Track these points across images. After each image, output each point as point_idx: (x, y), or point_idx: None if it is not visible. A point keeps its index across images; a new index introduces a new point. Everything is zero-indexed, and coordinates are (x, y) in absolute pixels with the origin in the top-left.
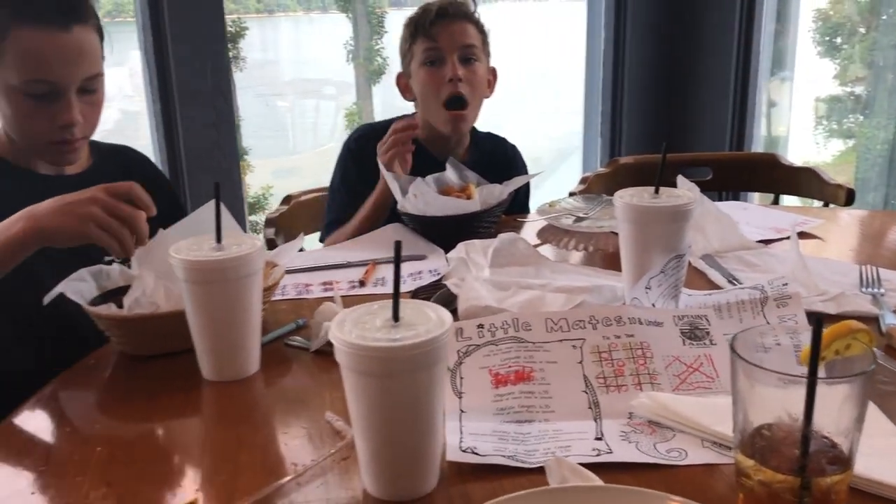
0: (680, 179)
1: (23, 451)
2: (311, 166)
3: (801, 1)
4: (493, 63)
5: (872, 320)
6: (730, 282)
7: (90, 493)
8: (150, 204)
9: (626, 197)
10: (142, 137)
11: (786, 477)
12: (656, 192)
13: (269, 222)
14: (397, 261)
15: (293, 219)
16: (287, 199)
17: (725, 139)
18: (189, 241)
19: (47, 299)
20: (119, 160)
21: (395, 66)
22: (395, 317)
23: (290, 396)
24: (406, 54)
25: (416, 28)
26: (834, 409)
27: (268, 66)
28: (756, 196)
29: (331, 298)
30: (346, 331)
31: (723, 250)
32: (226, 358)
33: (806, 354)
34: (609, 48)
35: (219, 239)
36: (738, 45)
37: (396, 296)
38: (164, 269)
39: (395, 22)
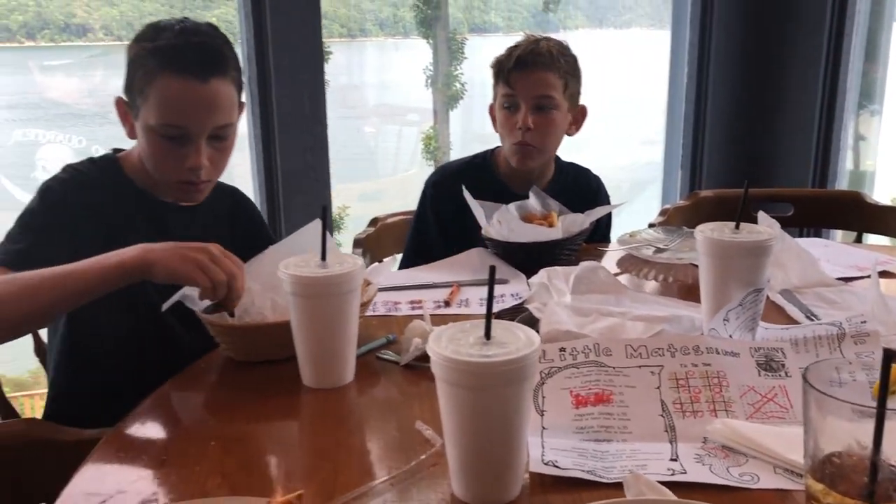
0: (761, 215)
1: (145, 443)
2: (394, 191)
3: (893, 32)
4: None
5: None
6: (808, 317)
7: (207, 481)
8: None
9: (706, 231)
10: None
11: (854, 502)
12: (737, 227)
13: (357, 243)
14: (491, 283)
15: (379, 240)
16: (374, 222)
17: (808, 174)
18: (297, 259)
19: (165, 306)
20: (228, 200)
21: (472, 92)
22: (488, 335)
23: (382, 405)
24: (494, 90)
25: (498, 72)
26: None
27: (351, 90)
28: (839, 234)
29: (418, 316)
30: (442, 346)
31: (802, 286)
32: (325, 367)
33: (877, 388)
34: (692, 80)
35: (323, 257)
36: (824, 79)
37: (489, 315)
38: (272, 283)
39: (476, 48)
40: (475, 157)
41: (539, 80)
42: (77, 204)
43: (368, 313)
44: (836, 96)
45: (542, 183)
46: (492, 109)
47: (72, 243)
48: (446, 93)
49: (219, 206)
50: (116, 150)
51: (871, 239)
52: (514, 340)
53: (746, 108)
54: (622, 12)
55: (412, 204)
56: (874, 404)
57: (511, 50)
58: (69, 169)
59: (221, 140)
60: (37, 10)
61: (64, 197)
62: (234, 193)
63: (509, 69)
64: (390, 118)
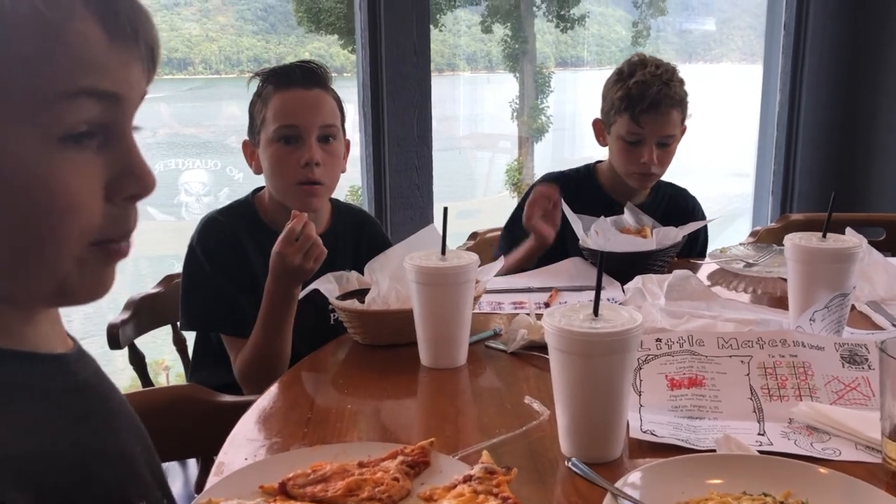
0: (848, 231)
1: (290, 405)
2: (487, 210)
3: None
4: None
5: None
6: (893, 325)
7: (346, 434)
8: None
9: (795, 239)
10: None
11: None
12: (824, 236)
13: None
14: (600, 267)
15: (478, 252)
16: (473, 235)
17: None
18: (421, 253)
19: (301, 294)
20: (354, 220)
21: (560, 124)
22: (596, 311)
23: (493, 384)
24: (608, 114)
25: (627, 105)
26: None
27: (443, 120)
28: None
29: (520, 314)
30: (556, 319)
31: (889, 299)
32: (442, 348)
33: None
34: (784, 108)
35: (443, 252)
36: None
37: (598, 294)
38: (397, 275)
39: (563, 81)
40: (577, 169)
41: (667, 121)
42: (221, 253)
43: (475, 311)
44: None
45: (641, 196)
46: (597, 124)
47: (229, 282)
48: (532, 125)
49: (342, 229)
50: (256, 191)
51: None
52: (619, 317)
53: (839, 134)
54: (713, 46)
55: (503, 220)
56: None
57: (642, 87)
58: (209, 223)
59: (328, 143)
60: None
61: (207, 254)
62: (360, 215)
63: (641, 110)
64: (481, 146)
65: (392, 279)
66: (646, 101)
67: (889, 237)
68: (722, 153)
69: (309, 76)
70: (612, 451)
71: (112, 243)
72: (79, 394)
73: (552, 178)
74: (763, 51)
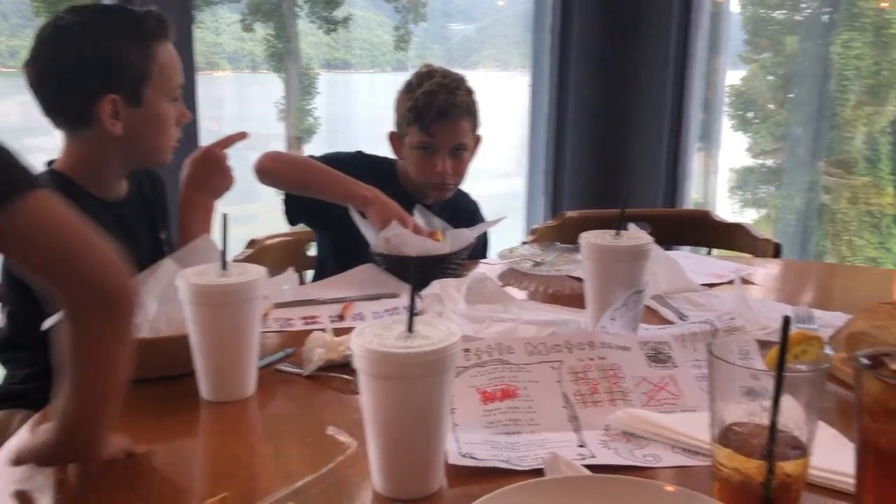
0: (632, 226)
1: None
2: (265, 215)
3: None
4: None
5: None
6: (680, 318)
7: (115, 496)
8: None
9: (590, 237)
10: None
11: (755, 462)
12: (617, 234)
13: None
14: (413, 280)
15: (259, 262)
16: (252, 243)
17: (659, 199)
18: (196, 268)
19: (46, 325)
20: (142, 176)
21: (326, 126)
22: (410, 328)
23: (289, 414)
24: (402, 126)
25: (416, 116)
26: (795, 403)
27: (207, 121)
28: (688, 250)
29: (314, 330)
30: (366, 339)
31: (671, 292)
32: (228, 378)
33: (772, 355)
34: (553, 112)
35: (224, 265)
36: (670, 116)
37: (412, 308)
38: (168, 296)
39: (329, 83)
40: (382, 161)
41: (456, 129)
42: None
43: (261, 330)
44: (680, 131)
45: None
46: (392, 136)
47: None
48: (299, 126)
49: (138, 188)
50: (49, 163)
51: (718, 254)
52: (436, 333)
53: (602, 135)
54: (469, 53)
55: (285, 226)
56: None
57: (428, 97)
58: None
59: None
60: None
61: None
62: (148, 171)
63: (430, 120)
64: (252, 147)
65: (162, 300)
66: (433, 110)
67: (654, 230)
68: (488, 154)
69: None
70: (431, 483)
71: None
72: None
73: (369, 158)
74: (517, 59)
